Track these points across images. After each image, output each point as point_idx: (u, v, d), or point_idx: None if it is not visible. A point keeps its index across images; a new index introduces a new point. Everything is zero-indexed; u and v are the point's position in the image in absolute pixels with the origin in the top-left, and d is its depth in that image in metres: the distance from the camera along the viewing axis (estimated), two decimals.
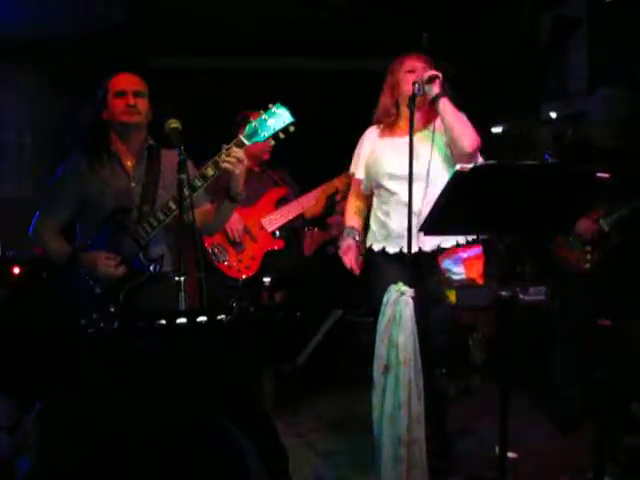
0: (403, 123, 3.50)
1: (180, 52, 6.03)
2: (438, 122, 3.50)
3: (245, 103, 4.71)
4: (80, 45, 5.49)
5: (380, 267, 3.54)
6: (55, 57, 5.71)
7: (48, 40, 5.41)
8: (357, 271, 3.58)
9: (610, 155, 3.93)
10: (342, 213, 4.00)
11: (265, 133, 3.14)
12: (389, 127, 3.59)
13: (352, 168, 3.72)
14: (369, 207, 3.70)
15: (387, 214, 3.54)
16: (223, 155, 3.12)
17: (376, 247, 3.58)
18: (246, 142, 3.14)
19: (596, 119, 4.24)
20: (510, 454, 2.89)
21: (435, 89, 3.38)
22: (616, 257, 4.07)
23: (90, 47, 5.50)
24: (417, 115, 3.44)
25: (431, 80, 3.36)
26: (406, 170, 3.22)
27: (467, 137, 3.38)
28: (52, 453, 2.24)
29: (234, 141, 3.15)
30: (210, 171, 3.14)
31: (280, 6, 5.34)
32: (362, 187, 3.68)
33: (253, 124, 3.16)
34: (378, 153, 3.57)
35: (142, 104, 3.29)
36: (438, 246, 3.49)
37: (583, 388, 4.15)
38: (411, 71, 3.48)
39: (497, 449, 2.81)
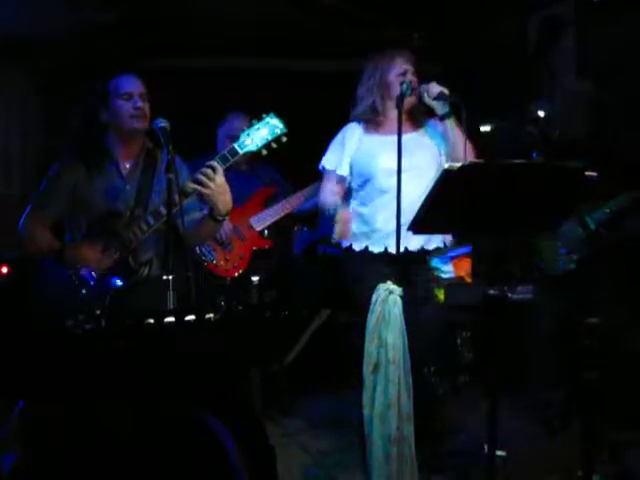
0: (392, 123, 3.46)
1: (170, 53, 6.01)
2: (429, 127, 3.59)
3: (236, 104, 4.72)
4: (69, 45, 5.46)
5: (363, 267, 3.52)
6: (43, 57, 5.67)
7: (36, 40, 5.38)
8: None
9: (583, 150, 3.94)
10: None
11: (258, 143, 3.15)
12: (375, 124, 3.58)
13: (328, 163, 3.65)
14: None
15: (371, 212, 3.53)
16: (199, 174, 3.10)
17: (357, 247, 3.56)
18: (239, 151, 3.14)
19: (564, 110, 4.25)
20: (499, 452, 2.90)
21: (445, 107, 3.44)
22: (603, 254, 4.08)
23: (79, 48, 5.47)
24: (405, 119, 3.49)
25: (438, 98, 3.41)
26: (403, 165, 3.25)
27: (469, 157, 3.42)
28: (35, 450, 2.23)
29: (227, 150, 3.15)
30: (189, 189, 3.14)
31: (272, 7, 5.32)
32: (343, 184, 3.63)
33: (247, 133, 3.16)
34: (369, 149, 3.54)
35: (147, 107, 3.26)
36: (422, 247, 3.50)
37: (568, 388, 4.16)
38: (403, 74, 3.51)
39: (486, 447, 2.82)
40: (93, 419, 2.29)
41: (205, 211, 3.28)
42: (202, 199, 3.20)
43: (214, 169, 3.08)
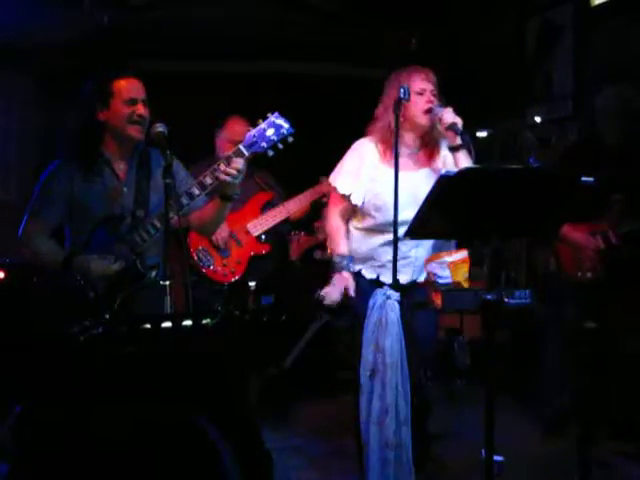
0: (408, 153, 3.33)
1: (166, 56, 6.02)
2: (440, 162, 3.42)
3: (233, 107, 4.73)
4: (67, 49, 5.47)
5: (368, 290, 3.39)
6: (41, 61, 5.68)
7: (34, 44, 5.39)
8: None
9: (621, 157, 3.92)
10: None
11: (264, 144, 3.09)
12: (391, 151, 3.30)
13: (341, 187, 3.41)
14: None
15: (385, 246, 3.37)
16: (222, 165, 3.08)
17: (368, 275, 3.46)
18: (245, 152, 3.10)
19: (607, 113, 4.21)
20: (496, 457, 2.90)
21: (455, 140, 3.27)
22: (623, 269, 4.05)
23: (77, 51, 5.48)
24: (420, 145, 3.40)
25: (450, 128, 3.23)
26: (409, 213, 3.14)
27: None
28: (29, 458, 2.23)
29: (233, 151, 3.11)
30: (209, 180, 3.10)
31: (268, 11, 5.33)
32: (356, 210, 3.44)
33: (252, 134, 3.12)
34: (384, 185, 3.31)
35: (147, 114, 3.20)
36: (415, 281, 3.47)
37: (569, 393, 4.17)
38: (420, 93, 3.32)
39: (483, 452, 2.82)
40: (90, 424, 2.29)
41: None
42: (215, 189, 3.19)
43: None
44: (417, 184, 3.22)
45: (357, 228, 3.49)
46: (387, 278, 3.31)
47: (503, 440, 2.91)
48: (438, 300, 3.46)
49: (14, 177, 5.86)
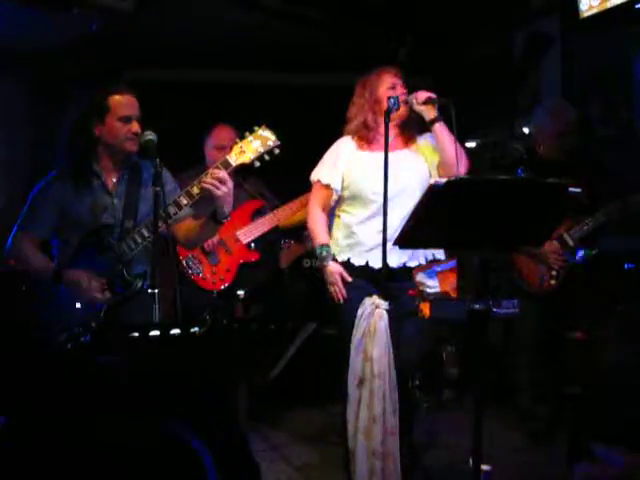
0: (383, 138, 3.40)
1: (155, 65, 6.02)
2: (421, 141, 3.56)
3: (223, 116, 4.73)
4: (57, 57, 5.46)
5: (355, 296, 3.47)
6: (31, 69, 5.67)
7: (24, 52, 5.38)
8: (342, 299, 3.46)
9: (562, 169, 3.98)
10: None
11: (251, 155, 3.13)
12: (367, 141, 3.55)
13: (322, 177, 3.59)
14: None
15: (358, 226, 3.50)
16: (208, 175, 3.08)
17: (340, 258, 3.55)
18: (232, 163, 3.12)
19: (543, 131, 4.31)
20: (484, 467, 2.90)
21: (432, 112, 3.42)
22: (581, 272, 4.11)
23: (67, 59, 5.48)
24: (397, 133, 3.51)
25: (427, 102, 3.39)
26: (390, 188, 3.25)
27: (460, 161, 3.40)
28: (16, 468, 2.22)
29: (220, 162, 3.13)
30: (196, 189, 3.11)
31: (254, 20, 5.35)
32: (333, 197, 3.59)
33: (239, 145, 3.14)
34: (360, 167, 3.51)
35: (140, 128, 3.21)
36: (404, 264, 3.49)
37: (554, 401, 4.18)
38: (392, 88, 3.50)
39: (471, 462, 2.82)
40: (70, 436, 2.28)
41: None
42: (208, 202, 3.17)
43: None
44: (392, 162, 3.31)
45: (342, 215, 3.58)
46: (376, 263, 3.33)
47: (491, 449, 2.92)
48: (426, 309, 3.49)
49: (3, 187, 5.84)
